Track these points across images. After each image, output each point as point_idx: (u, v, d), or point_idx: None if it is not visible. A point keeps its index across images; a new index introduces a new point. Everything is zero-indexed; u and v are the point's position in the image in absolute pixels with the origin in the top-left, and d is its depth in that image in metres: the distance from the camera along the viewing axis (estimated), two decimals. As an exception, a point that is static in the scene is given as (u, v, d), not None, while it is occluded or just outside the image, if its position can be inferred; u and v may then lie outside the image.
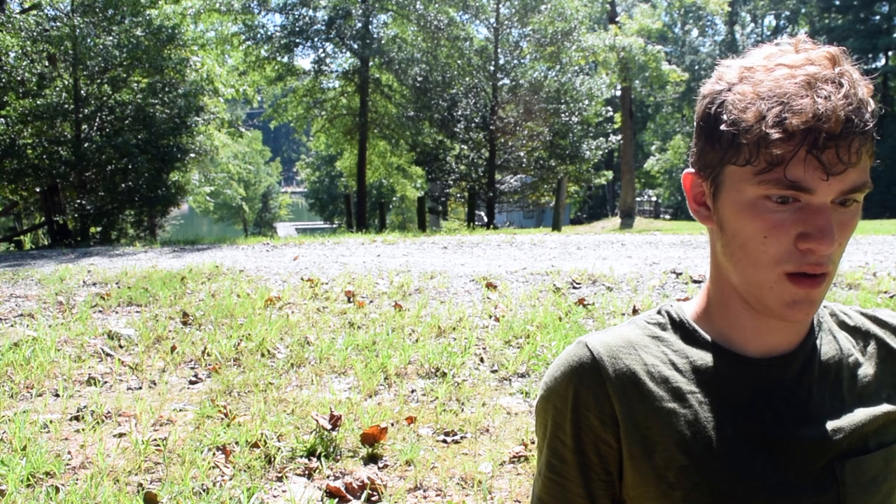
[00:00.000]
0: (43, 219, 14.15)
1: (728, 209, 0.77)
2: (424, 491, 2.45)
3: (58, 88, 12.84)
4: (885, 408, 0.83)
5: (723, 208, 0.78)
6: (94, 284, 5.81)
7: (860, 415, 0.82)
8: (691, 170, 0.83)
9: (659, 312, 0.90)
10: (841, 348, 0.86)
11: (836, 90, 0.69)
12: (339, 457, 2.66)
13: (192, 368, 3.68)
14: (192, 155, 14.55)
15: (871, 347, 0.88)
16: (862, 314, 0.92)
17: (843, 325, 0.90)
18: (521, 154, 18.86)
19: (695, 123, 0.81)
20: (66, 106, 12.69)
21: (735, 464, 0.78)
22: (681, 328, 0.87)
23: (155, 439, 2.74)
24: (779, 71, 0.72)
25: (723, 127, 0.74)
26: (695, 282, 5.57)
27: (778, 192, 0.72)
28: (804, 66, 0.71)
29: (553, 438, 0.85)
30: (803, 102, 0.69)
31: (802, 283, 0.74)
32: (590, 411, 0.82)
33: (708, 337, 0.85)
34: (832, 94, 0.69)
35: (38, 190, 13.33)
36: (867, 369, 0.86)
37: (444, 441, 2.83)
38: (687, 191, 0.84)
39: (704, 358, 0.83)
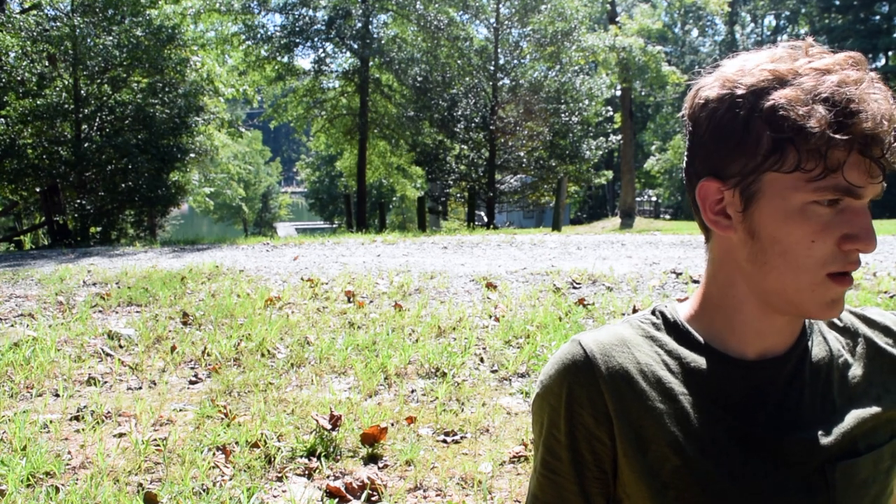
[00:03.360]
0: (43, 219, 14.14)
1: (769, 217, 0.75)
2: (424, 491, 2.45)
3: (58, 88, 12.84)
4: (874, 409, 0.83)
5: (760, 217, 0.76)
6: (94, 284, 5.81)
7: (850, 417, 0.82)
8: (711, 178, 0.79)
9: (653, 313, 0.89)
10: (831, 349, 0.86)
11: (882, 94, 0.71)
12: (339, 457, 2.66)
13: (192, 368, 3.68)
14: (192, 155, 14.54)
15: (860, 347, 0.88)
16: (851, 313, 0.92)
17: (832, 326, 0.90)
18: (521, 154, 18.86)
19: (701, 130, 0.78)
20: (66, 106, 12.69)
21: (727, 466, 0.78)
22: (674, 329, 0.86)
23: (155, 439, 2.74)
24: (830, 75, 0.72)
25: (771, 133, 0.72)
26: (694, 282, 5.57)
27: (832, 197, 0.72)
28: (846, 69, 0.72)
29: (548, 436, 0.85)
30: (864, 107, 0.70)
31: (843, 282, 0.75)
32: (583, 409, 0.82)
33: (701, 339, 0.85)
34: (880, 98, 0.71)
35: (38, 190, 13.33)
36: (857, 370, 0.86)
37: (444, 441, 2.83)
38: (702, 200, 0.80)
39: (697, 359, 0.83)
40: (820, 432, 0.80)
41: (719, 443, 0.79)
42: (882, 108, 0.70)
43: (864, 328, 0.90)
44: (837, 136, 0.69)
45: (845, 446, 0.80)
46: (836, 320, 0.90)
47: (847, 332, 0.89)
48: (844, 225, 0.73)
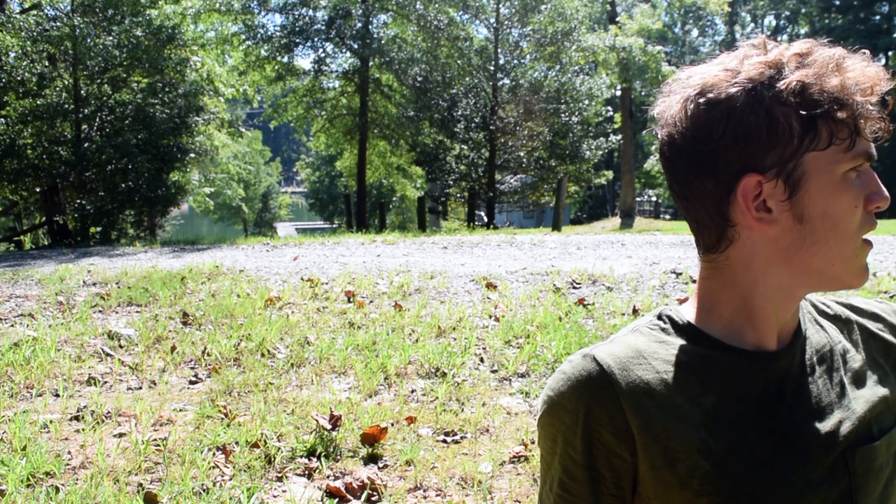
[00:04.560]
0: (43, 219, 14.15)
1: (818, 195, 0.76)
2: (424, 491, 2.45)
3: (58, 88, 12.84)
4: (880, 392, 0.84)
5: (809, 198, 0.76)
6: (94, 284, 5.81)
7: (861, 401, 0.82)
8: (750, 174, 0.76)
9: (659, 318, 0.87)
10: (830, 336, 0.87)
11: (865, 59, 0.76)
12: (339, 457, 2.66)
13: (192, 368, 3.68)
14: (192, 155, 14.53)
15: (855, 334, 0.89)
16: (838, 303, 0.93)
17: (824, 315, 0.90)
18: (521, 154, 18.86)
19: (717, 134, 0.76)
20: (66, 106, 12.69)
21: (758, 464, 0.77)
22: (685, 331, 0.85)
23: (155, 439, 2.74)
24: (824, 51, 0.75)
25: (803, 112, 0.73)
26: (695, 281, 5.57)
27: (863, 161, 0.76)
28: (825, 47, 0.76)
29: (563, 455, 0.82)
30: (870, 72, 0.75)
31: (869, 244, 0.79)
32: (602, 427, 0.79)
33: (714, 336, 0.83)
34: (866, 63, 0.75)
35: (38, 190, 13.33)
36: (856, 355, 0.87)
37: (444, 441, 2.83)
38: (745, 198, 0.77)
39: (716, 358, 0.82)
40: (838, 419, 0.80)
41: (748, 440, 0.78)
42: (877, 70, 0.75)
43: (854, 316, 0.91)
44: (868, 99, 0.73)
45: (861, 431, 0.80)
46: (827, 309, 0.91)
47: (839, 320, 0.90)
48: (865, 186, 0.77)
